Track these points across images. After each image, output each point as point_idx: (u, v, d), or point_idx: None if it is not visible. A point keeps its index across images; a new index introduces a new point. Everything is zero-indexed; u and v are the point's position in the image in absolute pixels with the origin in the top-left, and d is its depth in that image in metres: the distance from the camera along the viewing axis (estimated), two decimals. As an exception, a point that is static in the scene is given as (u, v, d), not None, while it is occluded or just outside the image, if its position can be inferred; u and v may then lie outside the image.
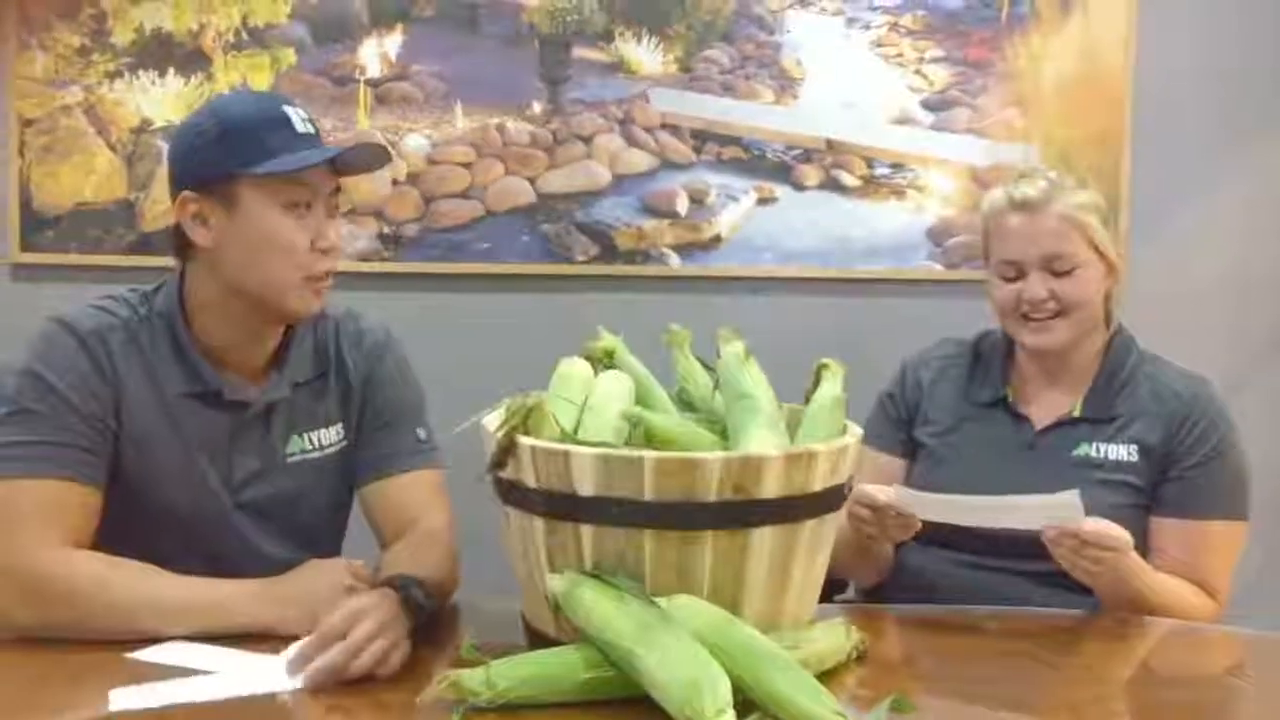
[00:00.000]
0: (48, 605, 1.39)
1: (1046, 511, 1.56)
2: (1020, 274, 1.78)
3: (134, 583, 1.41)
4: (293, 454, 1.61)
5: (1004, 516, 1.63)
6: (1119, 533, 1.55)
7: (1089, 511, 1.55)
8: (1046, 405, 1.84)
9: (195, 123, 1.51)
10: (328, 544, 1.68)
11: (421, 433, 1.67)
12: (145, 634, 1.38)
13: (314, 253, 1.50)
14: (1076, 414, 1.81)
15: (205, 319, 1.54)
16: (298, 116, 1.50)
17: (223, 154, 1.46)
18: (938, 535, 1.76)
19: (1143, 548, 1.69)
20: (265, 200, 1.47)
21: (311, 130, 1.51)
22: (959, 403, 1.89)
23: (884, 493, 1.62)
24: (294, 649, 1.31)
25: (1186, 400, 1.77)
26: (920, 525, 1.64)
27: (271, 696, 1.26)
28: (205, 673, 1.31)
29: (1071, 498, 1.53)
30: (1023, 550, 1.66)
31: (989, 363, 1.90)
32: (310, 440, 1.62)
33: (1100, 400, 1.81)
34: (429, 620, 1.43)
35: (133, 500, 1.51)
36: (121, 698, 1.23)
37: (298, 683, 1.27)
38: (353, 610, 1.31)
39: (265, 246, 1.48)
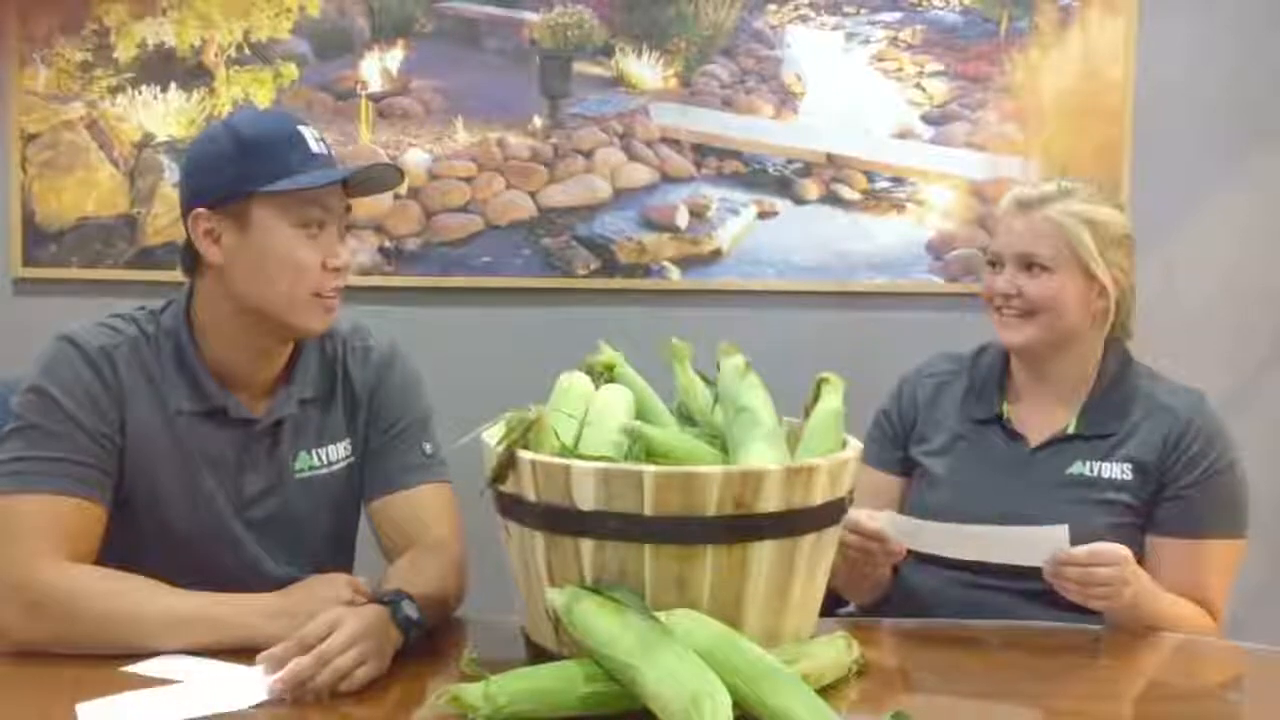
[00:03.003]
0: (47, 619, 1.39)
1: (1035, 544, 1.55)
2: (1000, 266, 1.80)
3: (134, 597, 1.41)
4: (301, 470, 1.61)
5: (996, 550, 1.62)
6: (1115, 548, 1.54)
7: (1083, 532, 1.55)
8: (1042, 422, 1.83)
9: (209, 140, 1.52)
10: (333, 562, 1.67)
11: (428, 447, 1.66)
12: (145, 649, 1.38)
13: (325, 272, 1.50)
14: (1071, 430, 1.79)
15: (213, 336, 1.54)
16: (311, 136, 1.51)
17: (237, 172, 1.47)
18: (936, 556, 1.77)
19: (1139, 568, 1.69)
20: (278, 219, 1.48)
21: (325, 150, 1.52)
22: (955, 420, 1.88)
23: (874, 519, 1.60)
24: (268, 653, 1.30)
25: (1181, 418, 1.75)
26: (905, 553, 1.64)
27: (252, 712, 1.25)
28: (193, 685, 1.31)
29: (1060, 532, 1.52)
30: (1021, 570, 1.65)
31: (986, 378, 1.89)
32: (318, 456, 1.62)
33: (1095, 416, 1.80)
34: (429, 635, 1.43)
35: (136, 517, 1.51)
36: (89, 712, 1.23)
37: (281, 695, 1.27)
38: (328, 621, 1.31)
39: (277, 265, 1.48)
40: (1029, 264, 1.77)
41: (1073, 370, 1.82)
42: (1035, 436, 1.82)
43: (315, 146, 1.50)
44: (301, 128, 1.51)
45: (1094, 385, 1.82)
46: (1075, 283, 1.76)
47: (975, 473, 1.82)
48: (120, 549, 1.49)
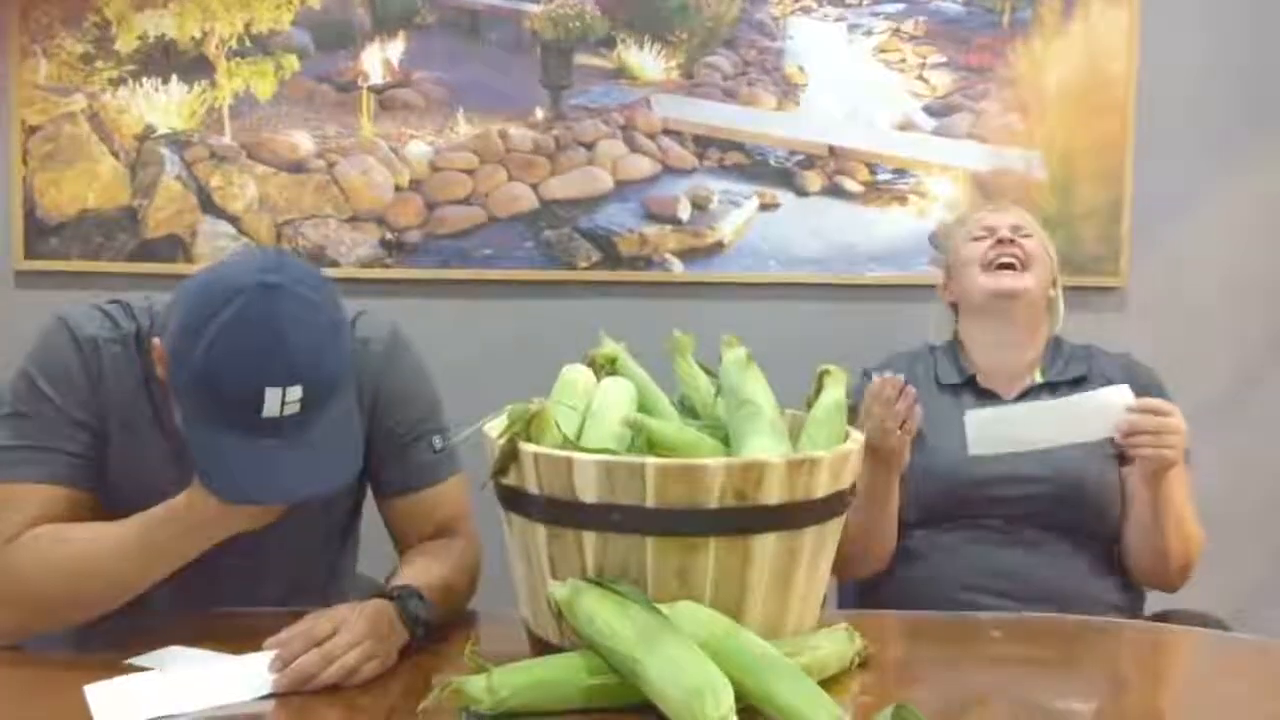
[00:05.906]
0: (19, 604, 1.39)
1: (1103, 408, 1.70)
2: (992, 234, 2.04)
3: (84, 541, 1.39)
4: None
5: (1069, 429, 1.74)
6: (1165, 402, 1.74)
7: (1080, 474, 1.75)
8: (1009, 378, 2.00)
9: (190, 332, 1.32)
10: (320, 575, 1.67)
11: (437, 441, 1.62)
12: (125, 587, 1.38)
13: None
14: (1040, 380, 1.97)
15: None
16: (275, 400, 1.32)
17: (187, 387, 1.34)
18: (945, 518, 1.88)
19: (1121, 497, 1.86)
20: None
21: (289, 412, 1.33)
22: (931, 394, 1.98)
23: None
24: (276, 639, 1.31)
25: (1125, 361, 2.01)
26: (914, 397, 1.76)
27: (257, 702, 1.27)
28: (199, 675, 1.32)
29: (1125, 390, 1.71)
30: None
31: (944, 354, 2.08)
32: None
33: (1059, 364, 1.99)
34: (433, 627, 1.43)
35: (115, 507, 1.47)
36: (96, 693, 1.25)
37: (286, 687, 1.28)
38: (338, 617, 1.32)
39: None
40: (1019, 232, 2.04)
41: (1032, 345, 2.01)
42: (1008, 392, 1.98)
43: (268, 411, 1.32)
44: (270, 389, 1.31)
45: (1044, 347, 2.03)
46: (1044, 266, 2.04)
47: (962, 439, 1.83)
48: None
